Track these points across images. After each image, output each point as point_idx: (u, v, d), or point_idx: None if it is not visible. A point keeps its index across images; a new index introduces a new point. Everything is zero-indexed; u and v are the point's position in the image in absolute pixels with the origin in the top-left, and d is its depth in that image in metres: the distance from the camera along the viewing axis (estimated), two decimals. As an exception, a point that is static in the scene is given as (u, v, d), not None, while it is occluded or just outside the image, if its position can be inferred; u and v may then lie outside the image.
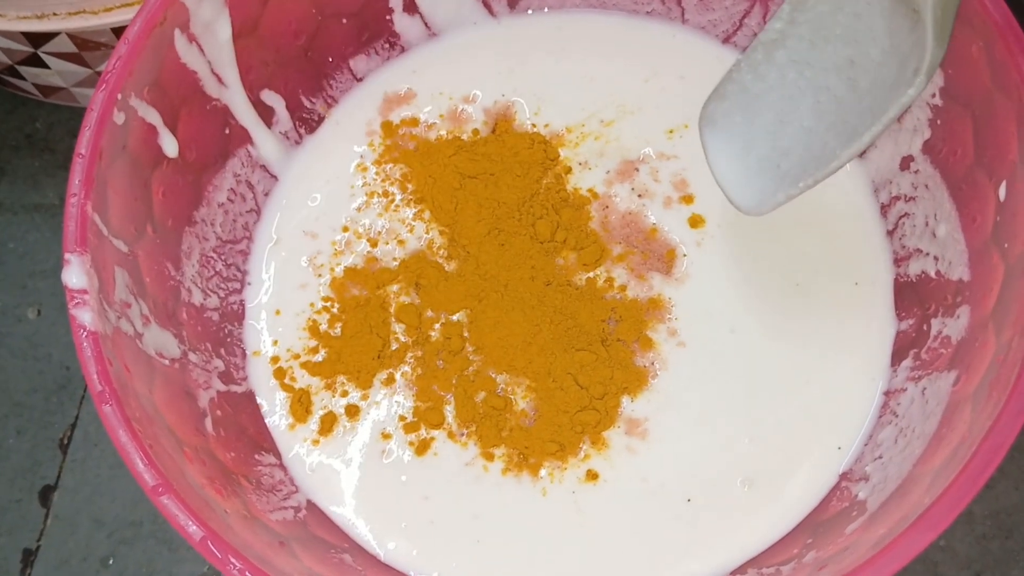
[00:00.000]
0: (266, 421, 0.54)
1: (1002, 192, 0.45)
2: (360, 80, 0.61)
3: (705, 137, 0.48)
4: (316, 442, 0.53)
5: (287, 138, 0.59)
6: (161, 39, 0.48)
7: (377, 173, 0.59)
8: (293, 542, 0.47)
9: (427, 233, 0.57)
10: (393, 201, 0.58)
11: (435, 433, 0.53)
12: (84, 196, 0.44)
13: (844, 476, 0.51)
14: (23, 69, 0.63)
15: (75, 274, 0.43)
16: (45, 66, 0.62)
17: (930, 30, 0.38)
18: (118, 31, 0.58)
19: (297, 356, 0.55)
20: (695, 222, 0.56)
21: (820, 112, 0.44)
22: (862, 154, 0.54)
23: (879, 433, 0.51)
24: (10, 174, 0.71)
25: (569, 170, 0.58)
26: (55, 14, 0.56)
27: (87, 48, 0.59)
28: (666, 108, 0.59)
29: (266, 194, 0.58)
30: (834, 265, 0.55)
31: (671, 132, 0.58)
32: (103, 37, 0.58)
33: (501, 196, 0.56)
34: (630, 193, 0.57)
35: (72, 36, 0.58)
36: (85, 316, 0.43)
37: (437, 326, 0.54)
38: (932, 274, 0.51)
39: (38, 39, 0.58)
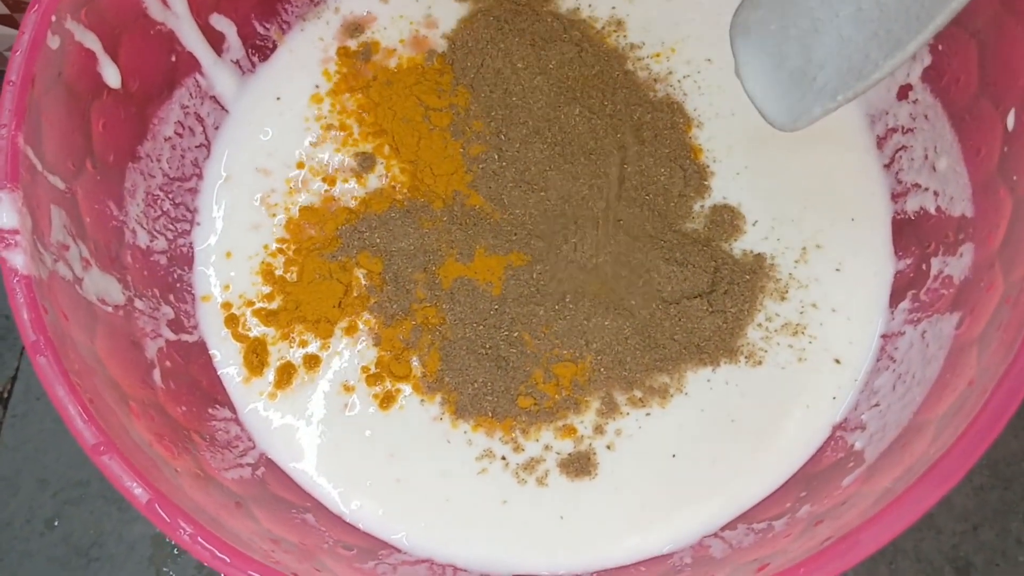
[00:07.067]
0: (219, 373, 0.52)
1: (1010, 121, 0.43)
2: (317, 3, 0.58)
3: (737, 47, 0.46)
4: (273, 395, 0.51)
5: (239, 67, 0.57)
6: (98, -45, 0.46)
7: (333, 104, 0.56)
8: (250, 502, 0.45)
9: (388, 171, 0.54)
10: (351, 135, 0.55)
11: (401, 386, 0.51)
12: (15, 127, 0.42)
13: (839, 426, 0.49)
14: (-48, 32, 0.60)
15: (5, 212, 0.41)
16: (-25, 29, 0.59)
17: None
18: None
19: (251, 303, 0.53)
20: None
21: (860, 20, 0.42)
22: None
23: (876, 380, 0.49)
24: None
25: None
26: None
27: (19, 9, 0.57)
28: (652, 31, 0.56)
29: (216, 128, 0.56)
30: (828, 200, 0.53)
31: (657, 56, 0.55)
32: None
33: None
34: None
35: (3, -3, 0.55)
36: (17, 259, 0.41)
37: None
38: (932, 210, 0.49)
39: (-34, -1, 0.56)
